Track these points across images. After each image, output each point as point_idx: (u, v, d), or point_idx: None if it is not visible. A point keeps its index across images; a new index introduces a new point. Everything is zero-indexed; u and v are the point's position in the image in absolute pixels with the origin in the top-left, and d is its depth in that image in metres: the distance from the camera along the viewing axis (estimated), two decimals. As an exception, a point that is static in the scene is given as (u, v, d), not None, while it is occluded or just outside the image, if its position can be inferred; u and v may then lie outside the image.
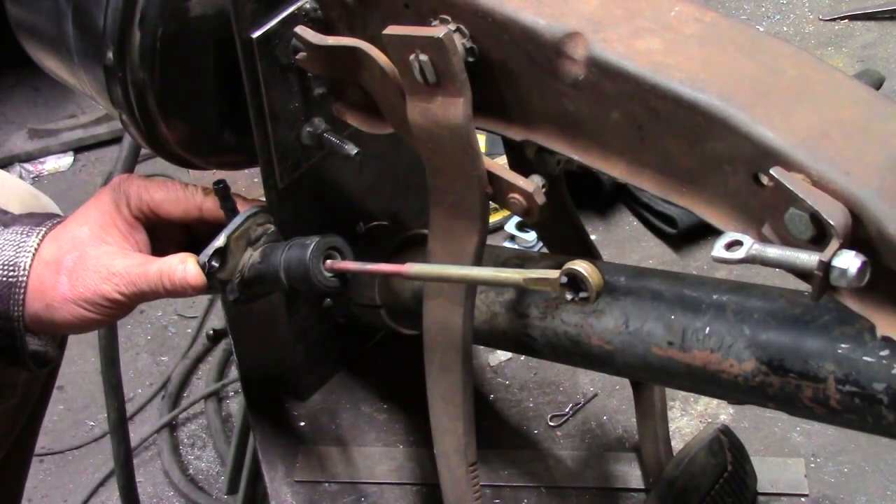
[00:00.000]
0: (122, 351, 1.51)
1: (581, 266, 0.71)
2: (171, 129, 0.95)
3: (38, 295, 0.90)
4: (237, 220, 0.91)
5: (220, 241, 0.90)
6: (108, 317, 0.91)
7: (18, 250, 0.90)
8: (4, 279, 0.89)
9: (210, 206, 0.94)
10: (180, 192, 0.94)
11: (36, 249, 0.90)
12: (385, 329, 1.15)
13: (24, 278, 0.89)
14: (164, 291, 0.89)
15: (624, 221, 1.52)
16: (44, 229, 0.92)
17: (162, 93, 0.92)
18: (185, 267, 0.89)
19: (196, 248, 0.91)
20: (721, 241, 0.64)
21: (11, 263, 0.90)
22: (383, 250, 1.09)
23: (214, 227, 0.92)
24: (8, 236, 0.91)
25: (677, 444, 1.12)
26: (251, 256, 0.92)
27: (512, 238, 1.50)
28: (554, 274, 0.72)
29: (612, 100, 0.73)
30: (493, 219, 1.48)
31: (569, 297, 0.72)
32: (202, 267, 0.89)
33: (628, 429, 1.19)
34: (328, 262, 0.88)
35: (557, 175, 0.90)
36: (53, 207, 1.22)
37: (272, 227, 0.93)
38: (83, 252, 0.90)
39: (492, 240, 1.44)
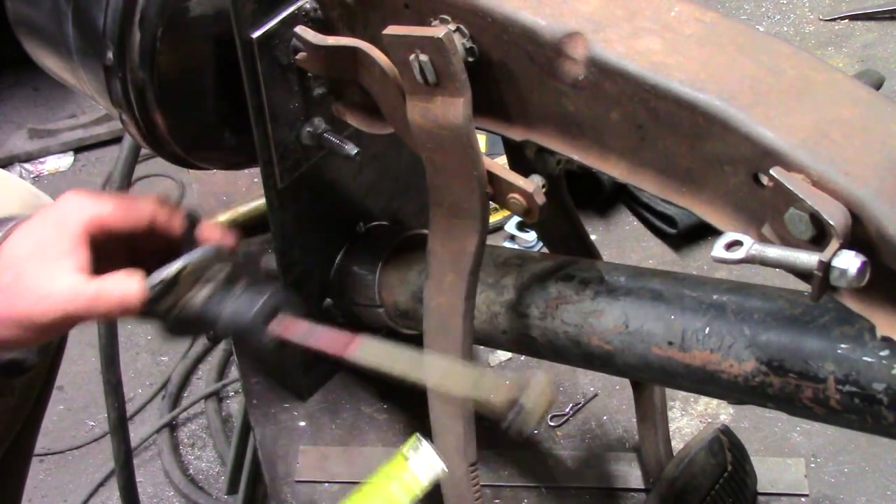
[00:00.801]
0: (122, 351, 1.50)
1: (531, 398, 0.71)
2: (171, 129, 0.95)
3: None
4: (193, 255, 0.86)
5: (170, 271, 0.84)
6: (45, 337, 0.88)
7: None
8: None
9: (163, 217, 0.89)
10: (130, 203, 0.89)
11: None
12: (385, 329, 1.15)
13: None
14: (99, 313, 0.85)
15: (624, 221, 1.51)
16: None
17: (162, 93, 0.92)
18: (125, 287, 0.84)
19: (141, 267, 0.86)
20: (721, 241, 0.64)
21: None
22: (383, 250, 1.09)
23: (164, 244, 0.88)
24: None
25: (677, 444, 1.12)
26: (195, 296, 0.86)
27: (512, 238, 1.50)
28: (502, 396, 0.72)
29: (612, 100, 0.73)
30: (493, 219, 1.48)
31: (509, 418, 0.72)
32: (146, 292, 0.84)
33: (628, 429, 1.19)
34: (273, 324, 0.84)
35: (557, 175, 0.90)
36: (46, 199, 1.21)
37: (227, 269, 0.88)
38: (20, 270, 0.85)
39: (492, 240, 1.44)
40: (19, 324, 0.85)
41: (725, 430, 1.08)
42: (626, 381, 1.12)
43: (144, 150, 1.10)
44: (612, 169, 0.77)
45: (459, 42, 0.77)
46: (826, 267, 0.60)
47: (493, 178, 0.81)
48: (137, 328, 2.42)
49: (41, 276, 0.85)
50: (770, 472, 1.14)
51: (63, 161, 2.82)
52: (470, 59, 0.79)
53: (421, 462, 0.82)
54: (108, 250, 0.89)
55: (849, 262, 0.59)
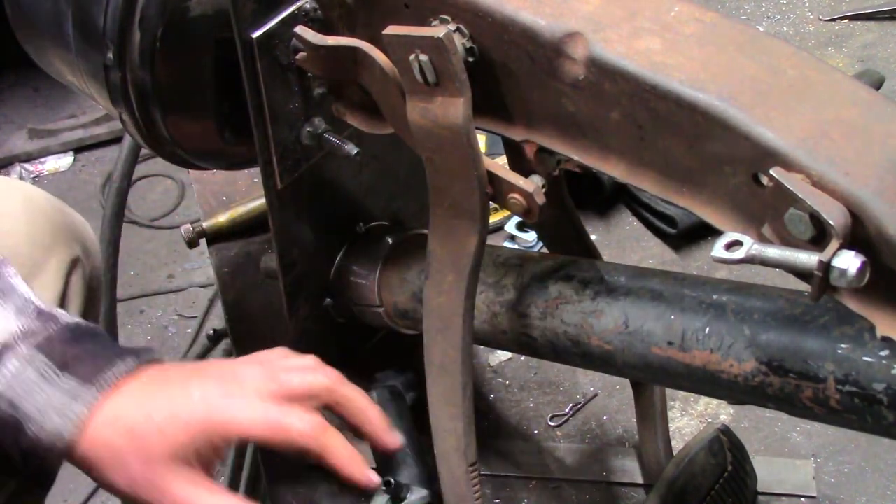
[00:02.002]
0: (122, 351, 1.50)
1: None
2: (171, 128, 0.95)
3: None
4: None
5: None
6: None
7: (64, 417, 0.71)
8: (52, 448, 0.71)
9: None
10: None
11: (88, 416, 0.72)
12: (385, 329, 1.15)
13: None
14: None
15: (624, 221, 1.52)
16: (94, 391, 0.72)
17: (162, 93, 0.92)
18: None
19: None
20: (721, 241, 0.64)
21: (57, 433, 0.71)
22: (383, 250, 1.09)
23: None
24: (56, 393, 0.71)
25: (677, 444, 1.12)
26: None
27: (512, 238, 1.50)
28: None
29: (612, 100, 0.73)
30: (493, 219, 1.48)
31: None
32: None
33: (628, 429, 1.19)
34: None
35: (557, 175, 0.90)
36: (77, 218, 1.20)
37: None
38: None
39: (492, 240, 1.44)
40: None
41: (725, 430, 1.08)
42: (626, 381, 1.12)
43: (144, 150, 1.10)
44: (612, 169, 0.77)
45: (459, 42, 0.77)
46: (826, 267, 0.60)
47: (493, 178, 0.81)
48: (137, 328, 2.41)
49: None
50: (777, 473, 1.14)
51: (63, 161, 2.82)
52: (470, 59, 0.79)
53: None
54: None
55: (849, 262, 0.59)
